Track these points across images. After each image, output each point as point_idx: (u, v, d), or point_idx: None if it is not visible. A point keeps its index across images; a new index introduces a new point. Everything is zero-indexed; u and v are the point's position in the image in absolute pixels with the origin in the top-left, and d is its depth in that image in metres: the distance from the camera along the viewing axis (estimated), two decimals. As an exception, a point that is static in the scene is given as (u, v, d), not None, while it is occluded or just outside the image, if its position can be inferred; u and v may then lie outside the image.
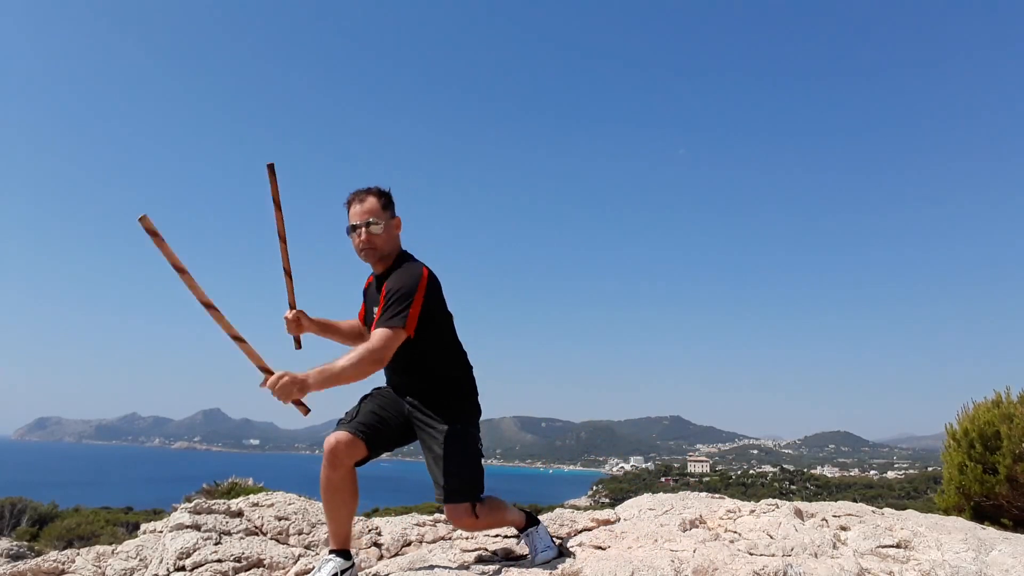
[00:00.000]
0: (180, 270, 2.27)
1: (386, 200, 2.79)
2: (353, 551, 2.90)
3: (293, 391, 2.30)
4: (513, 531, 3.18)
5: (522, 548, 3.07)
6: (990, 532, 3.50)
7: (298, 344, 2.98)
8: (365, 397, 2.87)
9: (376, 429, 2.70)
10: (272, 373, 2.32)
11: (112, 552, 4.18)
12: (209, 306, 2.32)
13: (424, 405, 2.74)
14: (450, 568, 2.90)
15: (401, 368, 2.77)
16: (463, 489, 2.67)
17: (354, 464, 2.67)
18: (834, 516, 3.46)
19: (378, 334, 2.53)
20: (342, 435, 2.62)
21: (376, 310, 2.68)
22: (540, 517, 3.61)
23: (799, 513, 3.46)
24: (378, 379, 2.95)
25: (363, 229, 2.72)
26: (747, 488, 71.13)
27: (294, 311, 2.93)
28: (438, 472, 2.67)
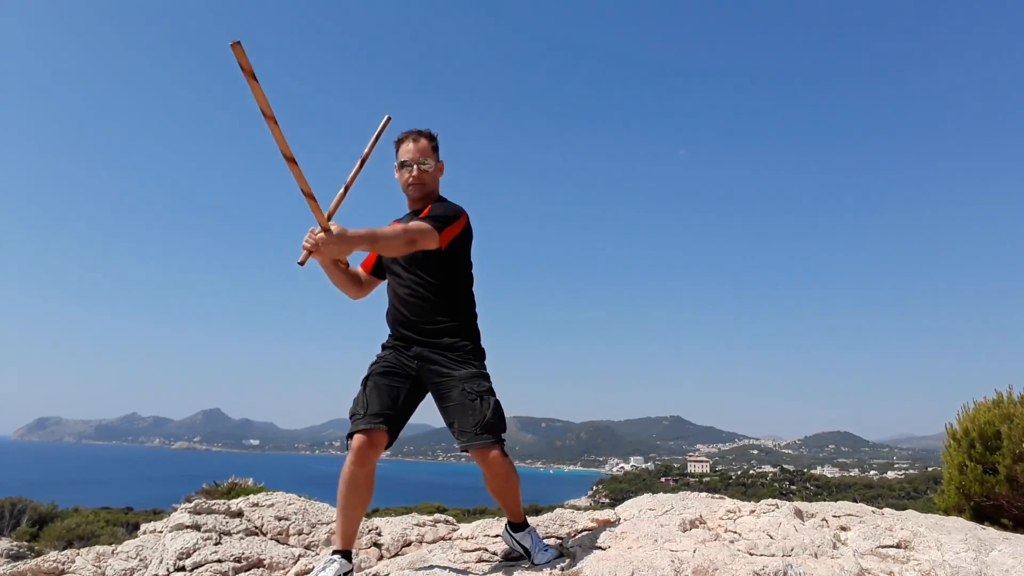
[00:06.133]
0: (269, 117, 2.22)
1: (436, 144, 2.98)
2: (353, 551, 2.90)
3: (334, 248, 2.41)
4: (505, 529, 3.13)
5: (520, 548, 3.06)
6: (990, 532, 3.50)
7: (304, 260, 2.66)
8: (367, 381, 2.82)
9: (390, 416, 2.73)
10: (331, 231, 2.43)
11: (112, 552, 4.18)
12: (290, 160, 2.34)
13: (437, 351, 2.81)
14: (450, 568, 2.90)
15: (420, 307, 2.82)
16: (490, 428, 2.72)
17: (377, 457, 2.72)
18: (834, 516, 3.46)
19: (417, 223, 2.69)
20: (368, 433, 2.66)
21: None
22: (540, 517, 3.61)
23: (799, 513, 3.46)
24: (371, 346, 2.94)
25: (415, 167, 2.89)
26: (747, 488, 71.12)
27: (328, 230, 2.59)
28: (463, 416, 2.72)
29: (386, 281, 3.01)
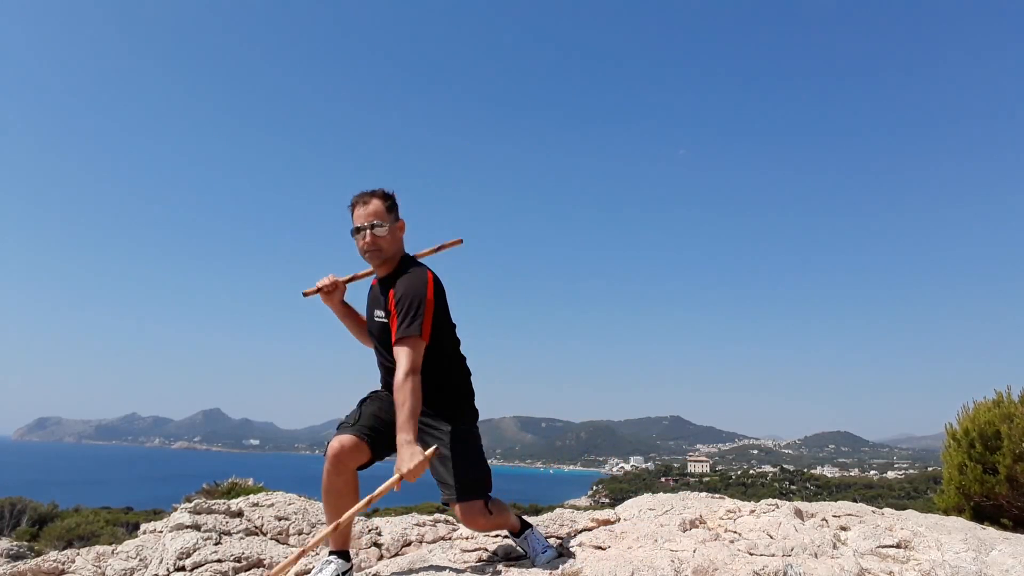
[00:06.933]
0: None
1: (391, 203, 2.79)
2: (353, 551, 2.90)
3: (420, 463, 2.42)
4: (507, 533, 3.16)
5: (522, 550, 3.07)
6: (990, 532, 3.50)
7: (310, 293, 2.90)
8: (364, 400, 2.85)
9: (379, 432, 2.69)
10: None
11: (112, 552, 4.18)
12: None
13: (426, 407, 2.72)
14: (450, 568, 2.90)
15: None
16: (475, 487, 2.67)
17: (357, 468, 2.68)
18: (834, 516, 3.46)
19: (402, 351, 2.56)
20: (346, 438, 2.61)
21: (379, 312, 2.73)
22: (540, 517, 3.61)
23: (799, 513, 3.46)
24: (372, 381, 2.96)
25: (368, 231, 2.71)
26: (747, 488, 71.13)
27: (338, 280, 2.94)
28: (446, 472, 2.65)
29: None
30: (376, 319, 2.76)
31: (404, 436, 2.42)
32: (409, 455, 2.39)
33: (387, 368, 2.83)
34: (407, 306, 2.60)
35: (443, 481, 2.67)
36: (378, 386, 2.95)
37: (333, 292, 2.92)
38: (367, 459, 2.67)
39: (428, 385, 2.71)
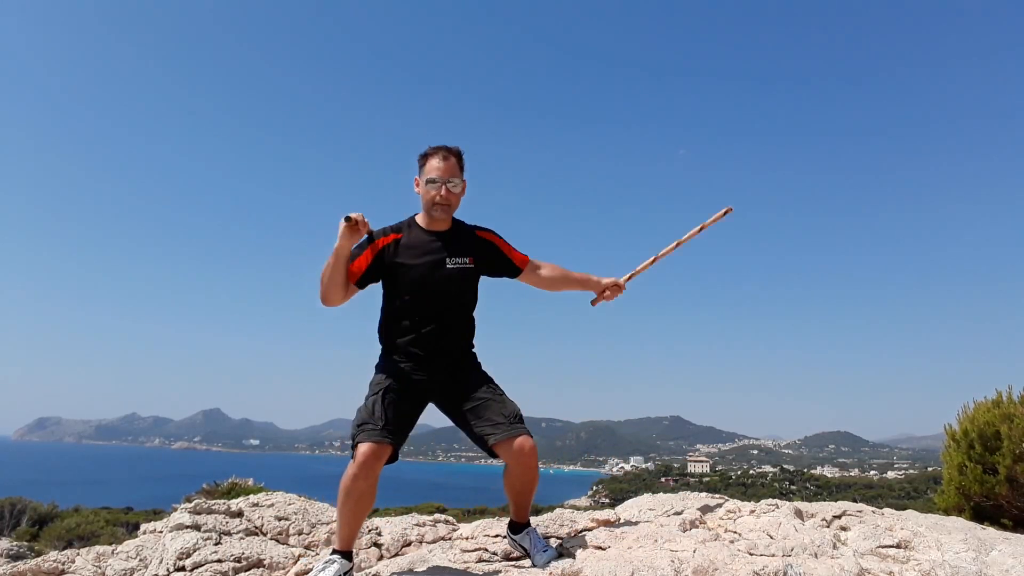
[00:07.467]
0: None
1: (463, 163, 2.95)
2: (353, 551, 2.90)
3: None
4: (506, 531, 3.14)
5: (521, 549, 3.06)
6: (990, 532, 3.50)
7: (351, 218, 2.67)
8: (384, 396, 2.75)
9: (399, 430, 2.72)
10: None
11: (112, 552, 4.18)
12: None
13: (466, 360, 2.95)
14: (450, 568, 2.90)
15: (457, 335, 2.91)
16: (523, 419, 2.83)
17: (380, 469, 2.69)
18: (834, 516, 3.46)
19: (533, 260, 3.11)
20: (378, 446, 2.59)
21: (457, 260, 2.86)
22: (540, 517, 3.61)
23: (799, 513, 3.46)
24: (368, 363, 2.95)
25: (444, 186, 2.84)
26: (747, 488, 71.07)
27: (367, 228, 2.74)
28: (496, 408, 2.79)
29: (395, 303, 2.86)
30: (452, 266, 2.86)
31: (594, 277, 3.20)
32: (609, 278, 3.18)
33: (448, 311, 2.85)
34: (508, 241, 3.07)
35: (496, 421, 2.76)
36: (379, 375, 2.90)
37: (357, 232, 2.72)
38: (389, 459, 2.68)
39: (469, 336, 2.98)
